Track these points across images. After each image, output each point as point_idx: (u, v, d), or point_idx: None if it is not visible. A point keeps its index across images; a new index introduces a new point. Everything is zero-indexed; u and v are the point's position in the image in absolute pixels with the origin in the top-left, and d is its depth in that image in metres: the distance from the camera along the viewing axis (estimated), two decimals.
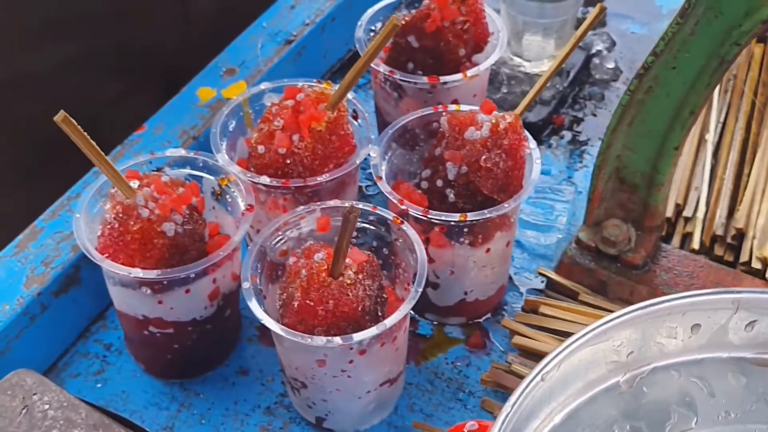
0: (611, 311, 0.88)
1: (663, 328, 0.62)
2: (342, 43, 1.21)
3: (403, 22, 0.97)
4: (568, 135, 1.12)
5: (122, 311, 0.86)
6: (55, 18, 1.09)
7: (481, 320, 0.94)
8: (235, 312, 0.91)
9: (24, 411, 0.77)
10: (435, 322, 0.94)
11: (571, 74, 1.16)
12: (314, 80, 0.94)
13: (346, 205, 0.84)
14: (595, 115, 1.14)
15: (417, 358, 0.91)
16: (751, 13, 0.75)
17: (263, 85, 0.95)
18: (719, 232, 0.96)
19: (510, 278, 0.97)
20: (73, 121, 0.74)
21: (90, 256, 0.80)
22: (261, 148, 0.87)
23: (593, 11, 0.82)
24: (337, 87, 0.92)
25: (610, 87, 1.17)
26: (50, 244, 0.92)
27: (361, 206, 0.83)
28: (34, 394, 0.78)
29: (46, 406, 0.77)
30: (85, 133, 0.75)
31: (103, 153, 0.77)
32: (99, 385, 0.90)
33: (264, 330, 0.94)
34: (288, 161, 0.86)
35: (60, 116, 0.72)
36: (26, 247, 0.92)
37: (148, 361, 0.90)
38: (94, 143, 0.76)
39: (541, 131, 1.11)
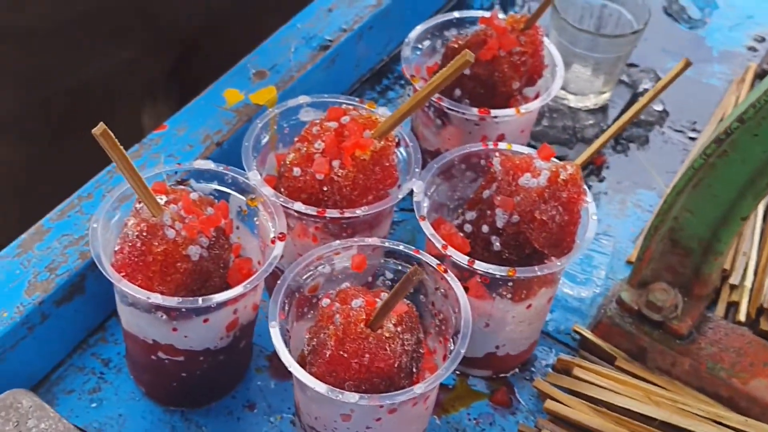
0: (651, 381, 0.83)
1: None
2: (375, 53, 1.15)
3: (456, 46, 0.91)
4: (609, 179, 1.06)
5: (131, 332, 0.79)
6: None
7: (507, 375, 0.88)
8: (249, 342, 0.84)
9: None
10: (458, 372, 0.88)
11: (615, 112, 1.10)
12: (356, 99, 0.87)
13: (386, 244, 0.78)
14: (637, 158, 1.08)
15: (437, 410, 0.85)
16: None
17: (301, 99, 0.88)
18: (767, 304, 0.90)
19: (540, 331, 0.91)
20: (112, 134, 0.67)
21: (106, 274, 0.73)
22: (297, 170, 0.80)
23: (678, 65, 0.76)
24: (380, 110, 0.86)
25: (655, 130, 1.11)
26: (57, 248, 0.85)
27: (402, 248, 0.77)
28: (30, 419, 0.72)
29: None
30: (122, 147, 0.68)
31: (136, 169, 0.70)
32: (94, 405, 0.83)
33: (275, 361, 0.87)
34: (325, 188, 0.79)
35: (99, 129, 0.66)
36: (30, 248, 0.84)
37: (150, 385, 0.83)
38: (129, 159, 0.69)
39: None
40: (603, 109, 1.11)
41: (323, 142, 0.79)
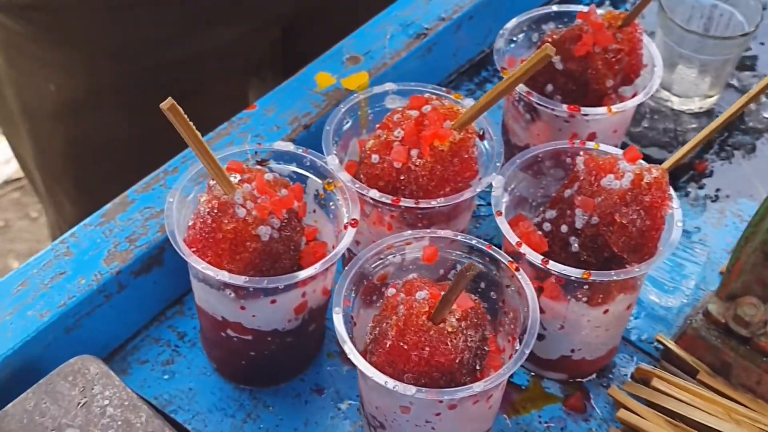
0: (733, 399, 0.79)
1: None
2: (475, 43, 1.13)
3: (550, 40, 0.88)
4: (709, 185, 1.01)
5: (202, 308, 0.80)
6: None
7: (584, 380, 0.85)
8: (320, 326, 0.84)
9: (82, 403, 0.72)
10: (533, 373, 0.86)
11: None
12: (443, 89, 0.86)
13: (459, 237, 0.76)
14: (741, 166, 1.03)
15: (508, 409, 0.83)
16: None
17: (388, 86, 0.87)
18: None
19: (622, 338, 0.88)
20: (180, 109, 0.67)
21: (177, 248, 0.74)
22: (375, 157, 0.79)
23: None
24: (466, 101, 0.84)
25: (764, 138, 1.06)
26: (138, 220, 0.86)
27: (474, 242, 0.75)
28: (95, 386, 0.73)
29: (106, 402, 0.72)
30: (191, 123, 0.68)
31: (206, 145, 0.70)
32: (166, 377, 0.85)
33: None
34: (402, 177, 0.78)
35: (167, 103, 0.66)
36: (113, 218, 0.86)
37: (221, 362, 0.84)
38: (199, 135, 0.69)
39: (678, 177, 1.01)
40: (708, 113, 1.06)
41: (403, 130, 0.78)
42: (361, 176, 0.81)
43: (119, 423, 0.71)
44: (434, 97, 0.81)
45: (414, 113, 0.78)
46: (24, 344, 0.77)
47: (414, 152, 0.77)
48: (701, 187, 1.01)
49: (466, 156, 0.78)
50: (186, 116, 0.67)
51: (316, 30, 1.19)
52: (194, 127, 0.68)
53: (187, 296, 0.90)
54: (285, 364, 0.83)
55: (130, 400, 0.72)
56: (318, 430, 0.82)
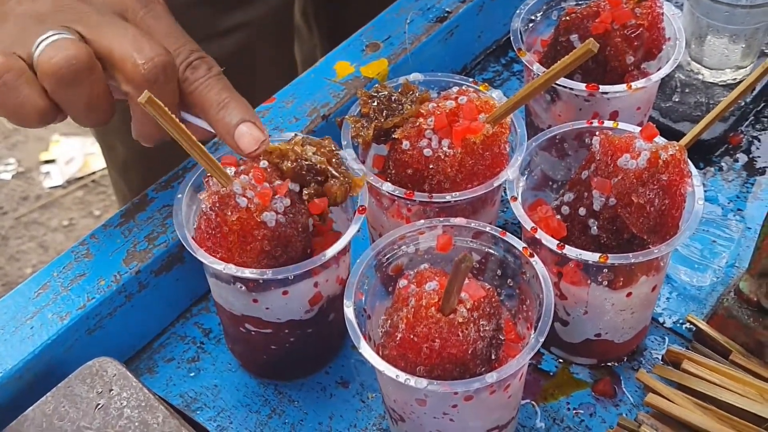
0: (767, 379, 0.77)
1: None
2: (500, 24, 1.11)
3: (567, 18, 0.86)
4: (743, 158, 0.98)
5: (219, 303, 0.79)
6: None
7: (614, 364, 0.83)
8: (341, 316, 0.83)
9: (100, 405, 0.72)
10: (561, 360, 0.84)
11: (757, 87, 1.02)
12: (470, 80, 0.84)
13: (472, 225, 0.74)
14: None
15: (536, 397, 0.82)
16: None
17: (413, 76, 0.84)
18: None
19: (653, 319, 0.85)
20: (159, 102, 0.66)
21: (186, 245, 0.74)
22: (406, 144, 0.77)
23: None
24: (494, 92, 0.81)
25: None
26: (157, 218, 0.86)
27: (488, 229, 0.74)
28: (113, 387, 0.73)
29: (124, 403, 0.72)
30: (173, 116, 0.67)
31: (194, 137, 0.69)
32: (192, 375, 0.85)
33: None
34: (431, 165, 0.77)
35: (144, 97, 0.65)
36: (133, 217, 0.86)
37: (243, 356, 0.84)
38: (183, 127, 0.68)
39: (712, 150, 0.98)
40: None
41: (435, 119, 0.77)
42: (390, 164, 0.79)
43: (136, 424, 0.71)
44: (465, 86, 0.80)
45: (450, 104, 0.77)
46: (45, 347, 0.78)
47: (445, 142, 0.76)
48: (736, 161, 0.98)
49: (497, 150, 0.76)
50: (167, 108, 0.66)
51: None
52: (177, 120, 0.67)
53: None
54: (307, 356, 0.83)
55: (147, 400, 0.72)
56: (343, 423, 0.81)
